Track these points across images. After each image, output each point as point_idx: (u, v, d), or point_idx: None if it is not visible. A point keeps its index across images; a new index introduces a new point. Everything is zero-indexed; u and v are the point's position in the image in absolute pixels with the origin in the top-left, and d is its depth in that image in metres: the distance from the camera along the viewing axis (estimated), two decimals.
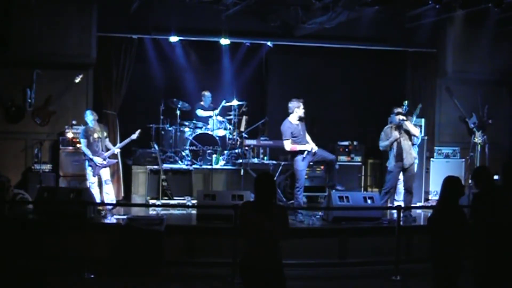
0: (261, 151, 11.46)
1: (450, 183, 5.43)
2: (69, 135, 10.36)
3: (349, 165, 11.29)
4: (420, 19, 10.84)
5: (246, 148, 11.02)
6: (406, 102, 9.72)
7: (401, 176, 9.56)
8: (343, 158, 11.24)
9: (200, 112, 11.78)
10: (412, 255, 8.56)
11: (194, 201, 9.97)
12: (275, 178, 8.51)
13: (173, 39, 11.28)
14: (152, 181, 10.61)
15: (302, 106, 9.17)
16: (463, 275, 5.37)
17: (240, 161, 10.72)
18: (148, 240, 8.00)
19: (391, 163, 9.26)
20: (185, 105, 11.61)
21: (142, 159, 10.86)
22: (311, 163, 9.50)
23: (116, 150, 10.11)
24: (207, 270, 8.00)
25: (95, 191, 9.56)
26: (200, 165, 10.96)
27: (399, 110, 9.31)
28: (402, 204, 9.41)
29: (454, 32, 11.48)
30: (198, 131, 11.36)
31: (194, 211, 9.51)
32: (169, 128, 11.43)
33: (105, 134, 9.85)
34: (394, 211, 8.71)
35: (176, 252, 8.26)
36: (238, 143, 11.33)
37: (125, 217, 8.85)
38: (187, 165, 10.90)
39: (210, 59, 12.24)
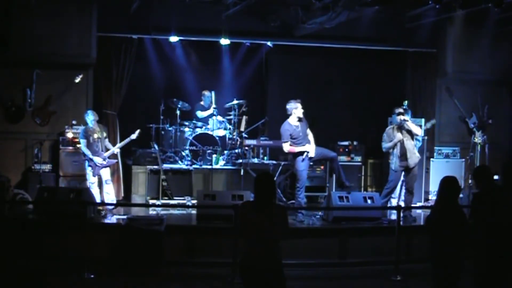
0: (261, 151, 11.45)
1: (447, 183, 5.43)
2: (69, 135, 10.36)
3: (349, 165, 11.27)
4: (420, 19, 10.84)
5: (246, 148, 11.02)
6: (406, 102, 9.74)
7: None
8: (343, 158, 11.22)
9: (200, 114, 11.77)
10: (412, 255, 8.56)
11: (194, 201, 9.97)
12: (275, 178, 8.54)
13: (173, 39, 11.28)
14: (152, 181, 10.60)
15: (300, 107, 9.15)
16: (463, 275, 5.37)
17: (240, 161, 10.72)
18: (148, 240, 8.00)
19: (395, 163, 9.23)
20: (185, 105, 11.61)
21: (142, 159, 10.86)
22: (312, 163, 9.50)
23: (116, 150, 10.12)
24: (207, 270, 7.99)
25: (95, 191, 9.56)
26: (200, 165, 10.96)
27: (400, 110, 9.31)
28: (395, 201, 9.41)
29: (454, 32, 11.48)
30: (198, 131, 11.36)
31: (194, 211, 9.51)
32: (169, 128, 11.42)
33: (105, 134, 9.85)
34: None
35: (176, 252, 8.26)
36: (238, 143, 11.33)
37: (125, 217, 8.86)
38: (187, 165, 10.90)
39: (210, 59, 12.24)
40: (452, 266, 5.35)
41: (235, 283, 7.31)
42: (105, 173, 9.75)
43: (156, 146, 10.75)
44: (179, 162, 11.09)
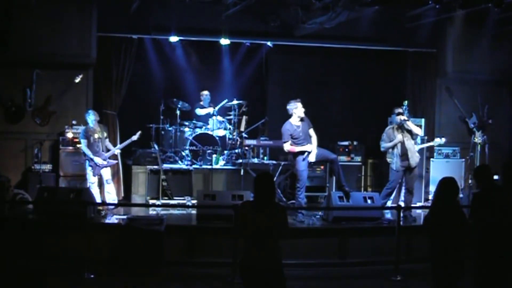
0: (261, 151, 11.46)
1: (444, 185, 5.43)
2: (69, 135, 10.36)
3: (349, 165, 11.29)
4: (420, 19, 10.84)
5: (246, 148, 11.02)
6: (406, 102, 9.73)
7: None
8: (343, 158, 11.23)
9: (199, 111, 11.78)
10: (412, 255, 8.55)
11: (194, 201, 9.97)
12: (275, 178, 8.54)
13: (173, 39, 11.28)
14: (152, 181, 10.60)
15: (300, 106, 9.15)
16: (463, 275, 5.37)
17: (240, 161, 10.72)
18: (148, 240, 8.00)
19: (396, 163, 9.23)
20: (185, 105, 11.61)
21: (142, 159, 10.86)
22: (312, 163, 9.50)
23: (117, 151, 10.12)
24: (207, 270, 7.99)
25: (95, 191, 9.57)
26: (200, 165, 10.96)
27: (400, 110, 9.32)
28: (390, 202, 9.42)
29: (454, 32, 11.48)
30: (198, 131, 11.36)
31: (194, 211, 9.51)
32: (169, 128, 11.43)
33: (105, 134, 9.85)
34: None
35: (176, 252, 8.26)
36: (238, 143, 11.33)
37: (125, 217, 8.86)
38: (187, 165, 10.90)
39: (210, 59, 12.24)
40: (452, 266, 5.35)
41: (235, 283, 7.30)
42: (106, 173, 9.76)
43: (156, 146, 10.75)
44: (179, 162, 11.09)
